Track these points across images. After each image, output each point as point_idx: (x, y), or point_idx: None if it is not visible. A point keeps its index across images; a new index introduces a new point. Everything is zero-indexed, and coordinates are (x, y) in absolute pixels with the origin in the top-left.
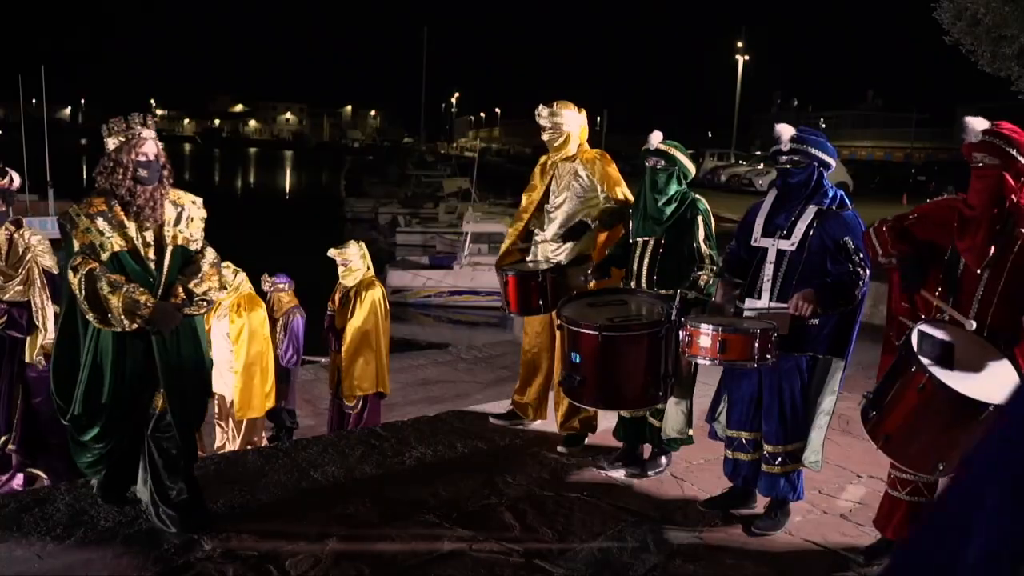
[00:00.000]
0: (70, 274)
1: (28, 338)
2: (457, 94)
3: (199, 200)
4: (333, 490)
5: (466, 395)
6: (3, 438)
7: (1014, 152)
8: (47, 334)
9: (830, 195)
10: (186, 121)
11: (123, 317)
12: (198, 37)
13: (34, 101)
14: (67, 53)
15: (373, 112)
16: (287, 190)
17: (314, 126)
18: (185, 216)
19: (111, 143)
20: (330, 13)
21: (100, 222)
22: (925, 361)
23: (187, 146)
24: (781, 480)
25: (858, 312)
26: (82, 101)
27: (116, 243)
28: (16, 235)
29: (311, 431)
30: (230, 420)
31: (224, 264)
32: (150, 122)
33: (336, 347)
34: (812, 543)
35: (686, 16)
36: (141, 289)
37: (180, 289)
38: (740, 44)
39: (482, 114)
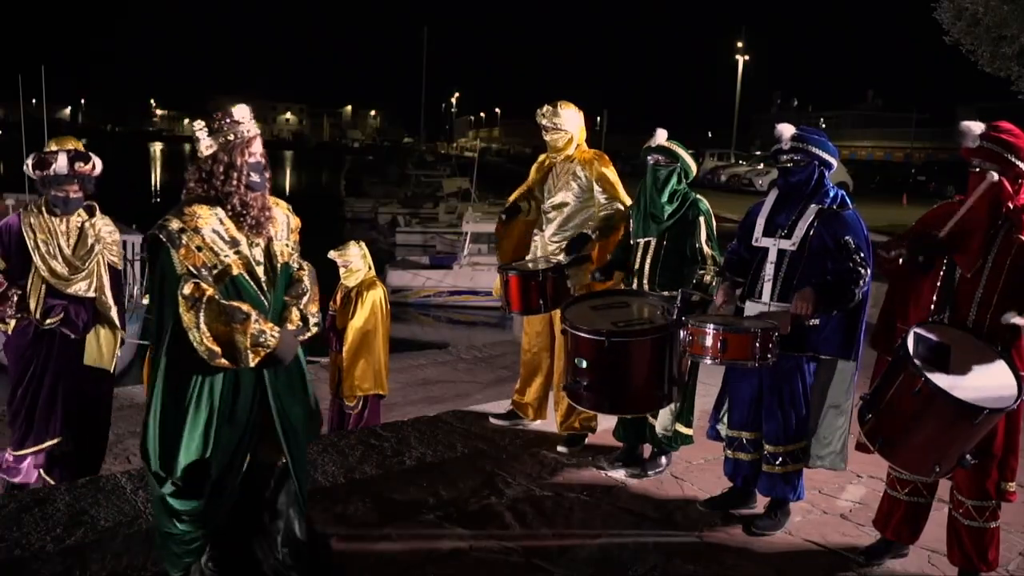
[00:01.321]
0: (182, 306)
1: (87, 338)
2: (457, 94)
3: (289, 206)
4: (333, 490)
5: (466, 395)
6: (56, 440)
7: (1012, 157)
8: (114, 336)
9: (831, 195)
10: (186, 121)
11: (249, 352)
12: (198, 37)
13: (34, 101)
14: (67, 53)
15: (373, 112)
16: (287, 190)
17: (314, 126)
18: (288, 227)
19: (211, 143)
20: (330, 13)
21: (212, 238)
22: (921, 365)
23: (187, 146)
24: (781, 480)
25: (862, 312)
26: (82, 101)
27: (232, 263)
28: (87, 224)
29: None
30: None
31: None
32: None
33: (337, 347)
34: (812, 543)
35: (686, 16)
36: (263, 316)
37: (295, 313)
38: (740, 44)
39: (482, 114)
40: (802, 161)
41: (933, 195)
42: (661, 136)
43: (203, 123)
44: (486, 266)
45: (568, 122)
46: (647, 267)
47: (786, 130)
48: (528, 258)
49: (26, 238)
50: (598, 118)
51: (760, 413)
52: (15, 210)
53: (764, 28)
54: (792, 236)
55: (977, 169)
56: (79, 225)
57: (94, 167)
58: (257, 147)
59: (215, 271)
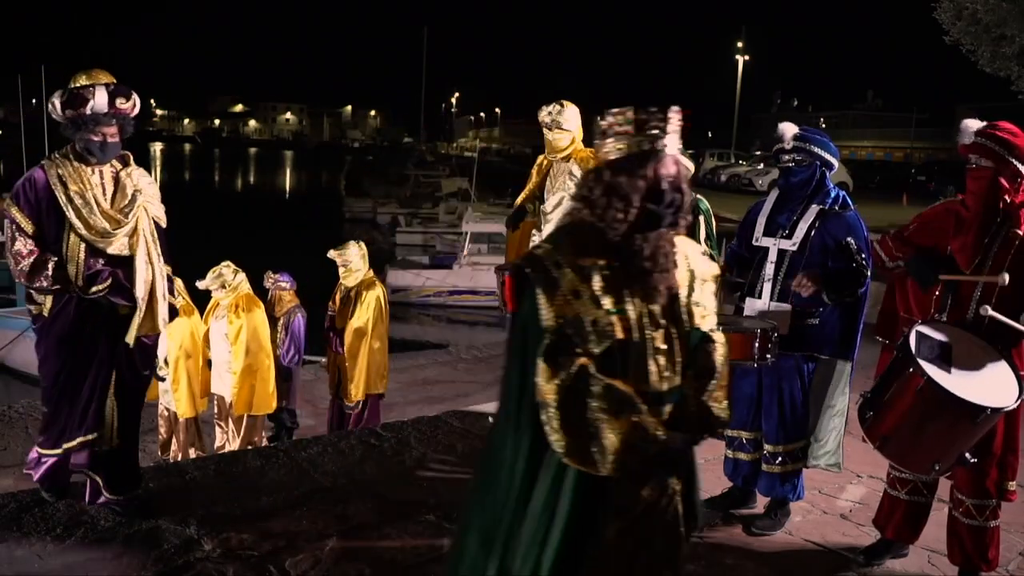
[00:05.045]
0: (541, 372)
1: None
2: (457, 94)
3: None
4: (333, 490)
5: (466, 395)
6: (93, 435)
7: (1006, 154)
8: (157, 306)
9: (832, 195)
10: (186, 121)
11: (616, 457)
12: (198, 37)
13: (34, 101)
14: (67, 53)
15: (373, 112)
16: (287, 190)
17: (314, 126)
18: (699, 274)
19: (618, 145)
20: (330, 13)
21: (597, 283)
22: (923, 363)
23: (187, 146)
24: (781, 480)
25: (860, 313)
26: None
27: (617, 323)
28: (123, 173)
29: (311, 431)
30: (230, 420)
31: (224, 263)
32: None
33: (336, 347)
34: (812, 543)
35: (686, 16)
36: (648, 410)
37: (695, 407)
38: (740, 44)
39: (482, 114)
40: (804, 161)
41: (933, 195)
42: None
43: (607, 129)
44: (486, 266)
45: (571, 122)
46: None
47: (788, 130)
48: None
49: (56, 192)
50: (598, 118)
51: (759, 413)
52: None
53: (764, 28)
54: (793, 236)
55: (974, 166)
56: (113, 175)
57: (135, 105)
58: (671, 168)
59: (595, 332)
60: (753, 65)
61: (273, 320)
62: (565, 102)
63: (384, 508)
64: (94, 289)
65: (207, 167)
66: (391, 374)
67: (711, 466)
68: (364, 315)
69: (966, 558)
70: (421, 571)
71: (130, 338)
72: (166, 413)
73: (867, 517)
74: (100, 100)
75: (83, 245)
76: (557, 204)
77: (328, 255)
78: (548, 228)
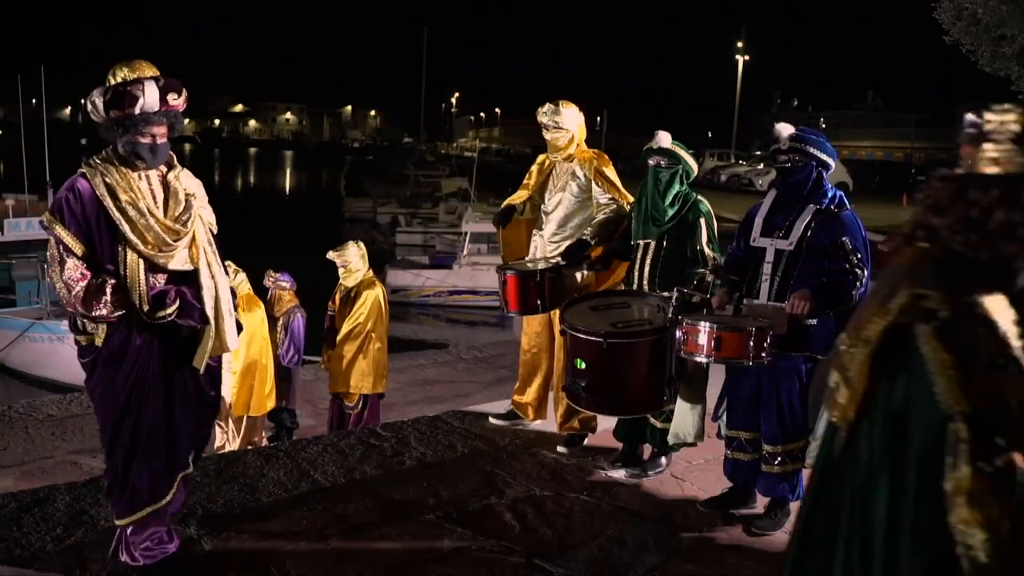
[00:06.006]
0: (962, 483)
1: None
2: (457, 94)
3: None
4: (333, 490)
5: (466, 395)
6: (185, 472)
7: None
8: (224, 324)
9: (829, 195)
10: (186, 121)
11: None
12: (198, 37)
13: (34, 101)
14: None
15: (373, 112)
16: (287, 190)
17: (314, 126)
18: None
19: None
20: (330, 13)
21: (1018, 343)
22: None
23: (187, 146)
24: (780, 480)
25: None
26: (82, 101)
27: None
28: (171, 176)
29: (311, 431)
30: (230, 420)
31: (225, 263)
32: None
33: (336, 347)
34: None
35: (686, 16)
36: None
37: None
38: (740, 44)
39: (482, 114)
40: (800, 161)
41: None
42: (663, 139)
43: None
44: (486, 266)
45: (569, 121)
46: (647, 268)
47: (784, 130)
48: (527, 258)
49: (105, 203)
50: (598, 118)
51: (758, 413)
52: (15, 210)
53: (764, 28)
54: (789, 236)
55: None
56: (161, 180)
57: (186, 99)
58: None
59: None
60: (753, 65)
61: (273, 320)
62: (563, 101)
63: (384, 508)
64: (161, 313)
65: (207, 167)
66: (391, 374)
67: (711, 466)
68: (363, 315)
69: None
70: (421, 571)
71: (200, 363)
72: None
73: None
74: (151, 97)
75: (142, 262)
76: (558, 204)
77: (327, 256)
78: (549, 228)
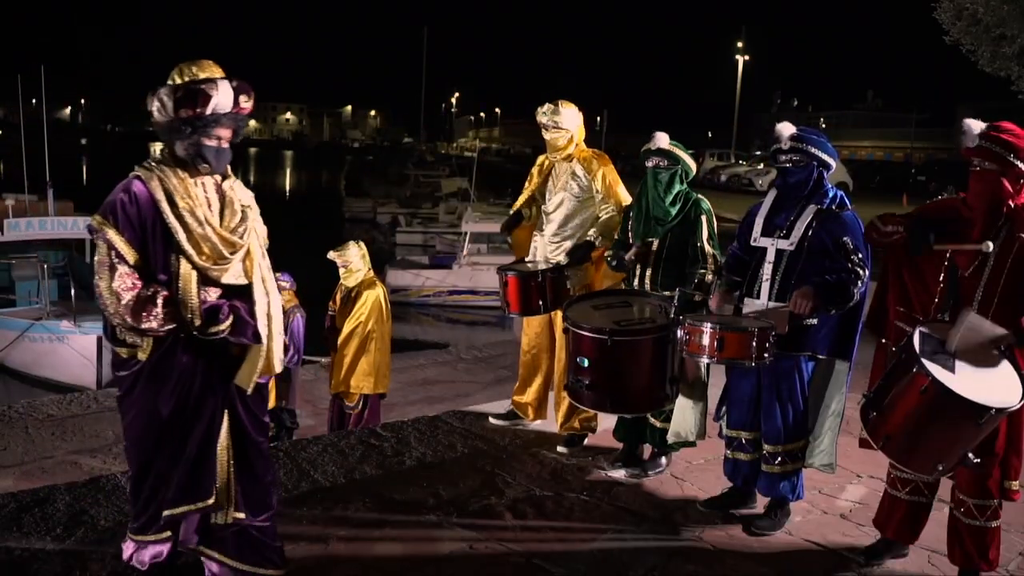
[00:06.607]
0: None
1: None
2: (457, 94)
3: None
4: (333, 490)
5: (466, 395)
6: (205, 501)
7: (1011, 157)
8: (274, 344)
9: (830, 195)
10: None
11: None
12: (198, 37)
13: (34, 101)
14: (67, 53)
15: (373, 112)
16: (287, 190)
17: (314, 126)
18: None
19: None
20: (330, 13)
21: None
22: (927, 363)
23: None
24: (780, 480)
25: (859, 313)
26: (82, 101)
27: None
28: (226, 186)
29: (311, 431)
30: None
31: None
32: None
33: (337, 347)
34: (812, 543)
35: (686, 16)
36: None
37: None
38: (740, 44)
39: (482, 114)
40: (801, 161)
41: (933, 195)
42: (663, 140)
43: None
44: (486, 266)
45: (568, 121)
46: (649, 267)
47: (785, 130)
48: (528, 259)
49: (162, 209)
50: (598, 118)
51: (759, 413)
52: (15, 210)
53: (764, 28)
54: (790, 236)
55: (978, 168)
56: (216, 188)
57: (253, 104)
58: None
59: None
60: (753, 65)
61: None
62: (561, 101)
63: (384, 508)
64: (214, 329)
65: None
66: (391, 374)
67: (711, 466)
68: (364, 315)
69: (967, 557)
70: (421, 571)
71: (247, 383)
72: None
73: (867, 517)
74: (224, 98)
75: (195, 274)
76: (559, 204)
77: (328, 256)
78: (550, 228)
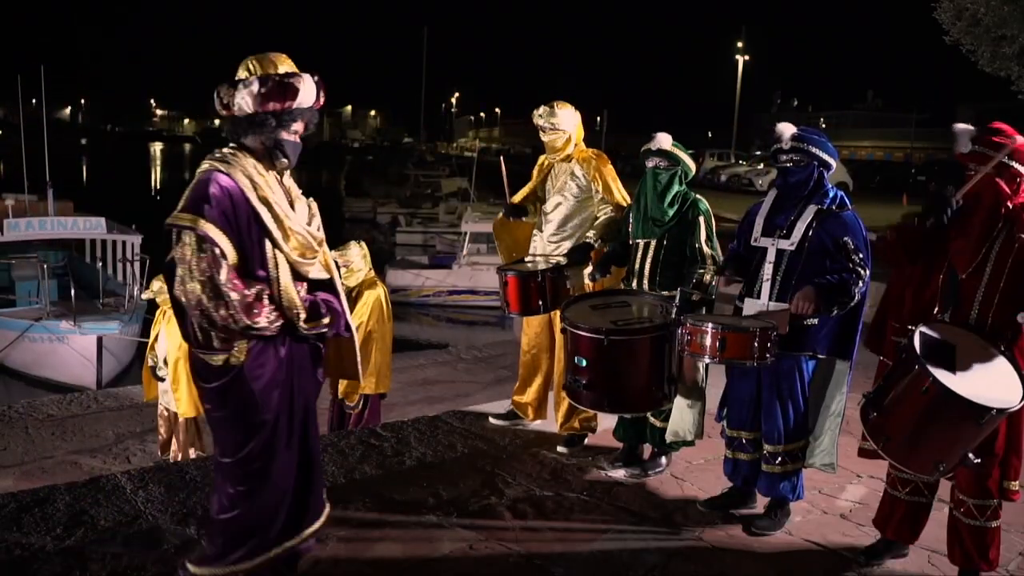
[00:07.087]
0: None
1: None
2: (457, 94)
3: None
4: (333, 490)
5: (466, 395)
6: (318, 523)
7: (1005, 159)
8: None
9: (830, 195)
10: (186, 121)
11: None
12: (198, 37)
13: (34, 101)
14: (67, 53)
15: (373, 112)
16: None
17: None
18: None
19: None
20: (330, 13)
21: None
22: (929, 366)
23: (187, 146)
24: (781, 480)
25: (860, 313)
26: (82, 101)
27: None
28: (287, 182)
29: None
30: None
31: None
32: None
33: None
34: (812, 543)
35: (686, 16)
36: None
37: None
38: (740, 44)
39: (482, 114)
40: (801, 161)
41: (933, 195)
42: (663, 140)
43: None
44: (486, 266)
45: (565, 122)
46: (647, 267)
47: (786, 130)
48: (527, 259)
49: (254, 203)
50: (598, 118)
51: (759, 413)
52: (15, 210)
53: (764, 28)
54: (791, 236)
55: (973, 172)
56: (279, 183)
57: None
58: None
59: None
60: (753, 65)
61: None
62: (557, 103)
63: (384, 508)
64: (317, 323)
65: None
66: (391, 374)
67: (711, 466)
68: (365, 315)
69: (967, 557)
70: (421, 571)
71: (361, 376)
72: (166, 413)
73: (867, 517)
74: (308, 92)
75: (288, 269)
76: (557, 204)
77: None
78: (549, 228)
